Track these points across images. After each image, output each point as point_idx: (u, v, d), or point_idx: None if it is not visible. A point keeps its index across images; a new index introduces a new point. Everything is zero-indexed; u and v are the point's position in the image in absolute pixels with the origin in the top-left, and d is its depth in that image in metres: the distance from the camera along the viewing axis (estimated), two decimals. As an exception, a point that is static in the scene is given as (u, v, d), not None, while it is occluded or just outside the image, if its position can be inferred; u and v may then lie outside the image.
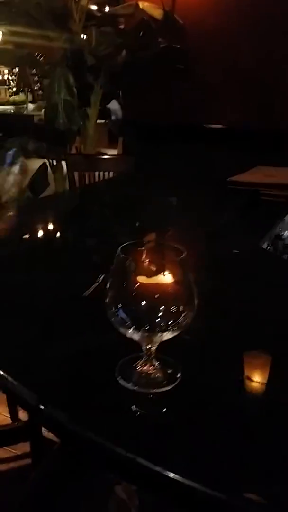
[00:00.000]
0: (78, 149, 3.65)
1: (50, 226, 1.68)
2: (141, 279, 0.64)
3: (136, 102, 3.66)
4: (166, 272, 0.66)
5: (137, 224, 1.61)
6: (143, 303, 0.65)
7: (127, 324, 0.65)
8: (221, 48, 3.27)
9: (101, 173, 2.61)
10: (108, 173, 2.62)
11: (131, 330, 0.65)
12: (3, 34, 7.76)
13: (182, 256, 0.66)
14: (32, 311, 0.93)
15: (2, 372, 0.69)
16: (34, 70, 6.91)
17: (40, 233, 1.56)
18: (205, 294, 1.04)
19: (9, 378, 0.68)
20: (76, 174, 2.60)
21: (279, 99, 3.13)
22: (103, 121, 4.12)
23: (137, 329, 0.65)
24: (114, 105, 6.99)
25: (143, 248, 0.67)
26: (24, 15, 3.40)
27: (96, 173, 2.61)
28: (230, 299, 1.03)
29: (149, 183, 2.29)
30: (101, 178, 2.60)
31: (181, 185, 2.17)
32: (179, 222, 1.60)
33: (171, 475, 0.54)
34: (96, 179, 2.61)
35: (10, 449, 1.95)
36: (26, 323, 0.87)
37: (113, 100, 5.66)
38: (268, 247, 1.59)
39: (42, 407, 0.63)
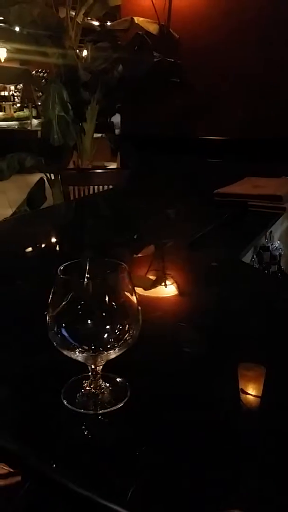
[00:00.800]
0: (76, 163, 3.68)
1: (37, 240, 1.68)
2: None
3: (133, 116, 3.68)
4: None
5: (135, 237, 1.61)
6: (88, 322, 0.64)
7: (71, 345, 0.64)
8: (215, 61, 3.28)
9: (97, 187, 2.62)
10: (103, 187, 2.62)
11: (75, 350, 0.64)
12: (8, 51, 7.91)
13: (125, 272, 0.64)
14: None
15: None
16: (37, 86, 6.99)
17: (27, 247, 1.56)
18: (173, 309, 1.04)
19: None
20: (71, 188, 2.61)
21: (273, 111, 3.12)
22: (102, 135, 4.14)
23: (81, 350, 0.64)
24: (117, 119, 7.03)
25: (86, 265, 0.66)
26: (22, 32, 3.45)
27: (93, 187, 2.62)
28: (192, 312, 1.01)
29: (142, 195, 2.29)
30: (96, 192, 2.60)
31: (173, 197, 2.17)
32: (161, 234, 1.59)
33: (114, 506, 0.52)
34: (92, 193, 2.61)
35: (1, 466, 1.92)
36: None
37: (116, 114, 5.70)
38: (253, 259, 1.57)
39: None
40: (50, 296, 0.64)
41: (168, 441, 0.62)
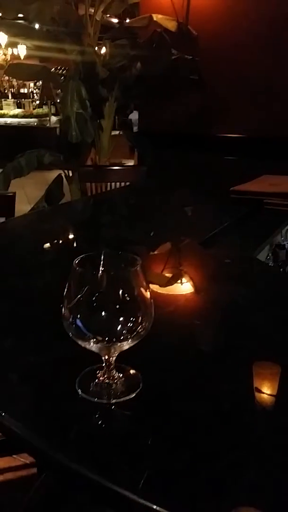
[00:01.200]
0: (93, 160, 3.70)
1: (54, 235, 1.70)
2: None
3: (150, 113, 3.68)
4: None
5: (151, 234, 1.63)
6: (102, 313, 0.66)
7: (85, 335, 0.66)
8: (233, 58, 3.27)
9: (114, 183, 2.64)
10: (120, 184, 2.64)
11: (89, 341, 0.66)
12: (27, 48, 7.97)
13: (138, 266, 0.66)
14: (12, 319, 0.95)
15: None
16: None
17: (45, 241, 1.59)
18: (184, 304, 1.05)
19: None
20: (89, 185, 2.64)
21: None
22: (119, 132, 4.15)
23: (96, 340, 0.66)
24: (135, 116, 7.04)
25: (100, 258, 0.68)
26: (42, 29, 3.48)
27: (110, 184, 2.64)
28: (205, 308, 1.02)
29: (158, 192, 2.30)
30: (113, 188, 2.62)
31: (190, 195, 2.18)
32: (176, 231, 1.60)
33: (124, 492, 0.53)
34: (109, 189, 2.63)
35: (18, 458, 1.96)
36: (1, 331, 0.89)
37: (134, 111, 5.70)
38: (268, 257, 1.57)
39: (-3, 416, 0.64)
40: (66, 288, 0.65)
41: (179, 431, 0.63)
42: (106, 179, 2.62)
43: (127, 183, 2.61)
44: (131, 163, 6.32)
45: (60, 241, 1.63)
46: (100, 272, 0.67)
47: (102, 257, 0.68)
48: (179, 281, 1.17)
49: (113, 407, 0.67)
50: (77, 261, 0.66)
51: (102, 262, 0.68)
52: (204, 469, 0.57)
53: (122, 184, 2.63)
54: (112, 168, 2.80)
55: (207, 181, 2.56)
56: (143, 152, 3.68)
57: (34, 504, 1.52)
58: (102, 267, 0.68)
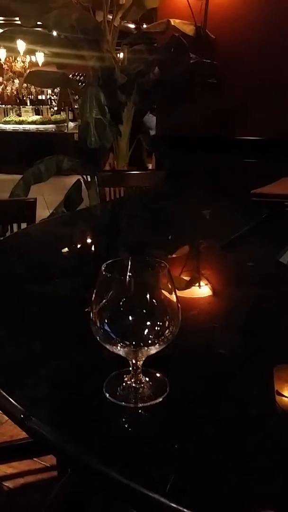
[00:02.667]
0: (112, 165, 3.72)
1: (75, 240, 1.72)
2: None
3: (168, 117, 3.69)
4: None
5: (169, 237, 1.63)
6: (129, 318, 0.66)
7: (113, 340, 0.66)
8: (252, 60, 3.27)
9: (133, 188, 2.65)
10: (139, 188, 2.65)
11: (117, 345, 0.66)
12: (46, 55, 8.05)
13: (166, 271, 0.66)
14: (37, 323, 0.96)
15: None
16: (73, 89, 7.09)
17: (66, 247, 1.60)
18: (208, 308, 1.05)
19: (-2, 390, 0.70)
20: (107, 189, 2.65)
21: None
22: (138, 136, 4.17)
23: (123, 344, 0.66)
24: (152, 119, 7.05)
25: (127, 263, 0.68)
26: (60, 36, 3.52)
27: (128, 188, 2.65)
28: (236, 312, 1.02)
29: (177, 196, 2.30)
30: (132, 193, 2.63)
31: (209, 198, 2.17)
32: (197, 235, 1.60)
33: (152, 494, 0.54)
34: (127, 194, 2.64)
35: (39, 461, 1.97)
36: (28, 335, 0.90)
37: (150, 115, 5.71)
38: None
39: (26, 420, 0.65)
40: (94, 293, 0.66)
41: (206, 435, 0.63)
42: (125, 183, 2.63)
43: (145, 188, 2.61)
44: (148, 167, 6.34)
45: (82, 246, 1.65)
46: (128, 277, 0.67)
47: (129, 262, 0.69)
48: (202, 284, 1.17)
49: (140, 411, 0.67)
50: (104, 266, 0.66)
51: (129, 267, 0.68)
52: (231, 473, 0.57)
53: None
54: (131, 173, 2.81)
55: (226, 184, 2.55)
56: (161, 156, 3.69)
57: (55, 508, 1.52)
58: (129, 272, 0.68)
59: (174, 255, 1.46)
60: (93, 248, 1.65)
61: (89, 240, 1.74)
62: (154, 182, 2.65)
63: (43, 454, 1.95)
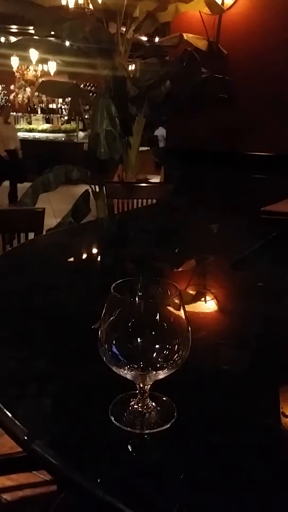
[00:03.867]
0: (120, 176, 3.72)
1: (83, 253, 1.71)
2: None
3: (179, 131, 3.70)
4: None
5: (176, 251, 1.61)
6: (138, 340, 0.64)
7: (120, 362, 0.64)
8: (263, 76, 3.27)
9: (141, 200, 2.64)
10: (147, 201, 2.64)
11: (124, 368, 0.64)
12: (58, 65, 8.13)
13: (177, 293, 0.65)
14: (42, 338, 0.94)
15: (-3, 403, 0.70)
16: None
17: (73, 259, 1.59)
18: (218, 329, 1.03)
19: (0, 408, 0.68)
20: (115, 201, 2.65)
21: None
22: (147, 148, 4.18)
23: (130, 367, 0.64)
24: (161, 131, 7.09)
25: (138, 284, 0.67)
26: (74, 47, 3.55)
27: (136, 200, 2.64)
28: (246, 334, 1.00)
29: (185, 210, 2.29)
30: (140, 205, 2.62)
31: (218, 213, 2.16)
32: (205, 251, 1.58)
33: None
34: (135, 206, 2.64)
35: (38, 474, 1.94)
36: (33, 351, 0.89)
37: (160, 128, 5.72)
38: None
39: (29, 442, 0.63)
40: (103, 312, 0.64)
41: (214, 465, 0.61)
42: (133, 195, 2.63)
43: (154, 200, 2.61)
44: (156, 179, 6.35)
45: (89, 259, 1.64)
46: (137, 298, 0.66)
47: (139, 283, 0.67)
48: (212, 302, 1.15)
49: (146, 437, 0.65)
50: (114, 286, 0.65)
51: (139, 288, 0.67)
52: (240, 506, 0.55)
53: (149, 201, 2.63)
54: (140, 185, 2.81)
55: (234, 200, 2.54)
56: (170, 169, 3.69)
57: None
58: (139, 292, 0.66)
59: (183, 272, 1.44)
60: (100, 262, 1.63)
61: (96, 253, 1.73)
62: (162, 195, 2.64)
63: (42, 468, 1.92)
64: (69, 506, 1.45)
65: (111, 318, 0.64)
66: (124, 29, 3.61)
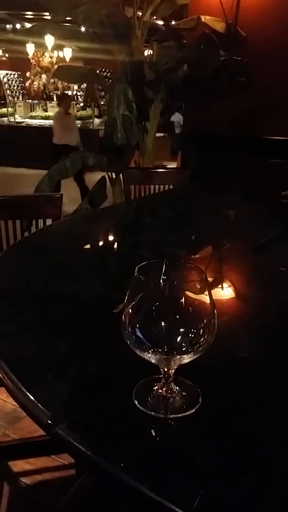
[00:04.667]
0: (137, 162, 3.69)
1: (101, 238, 1.69)
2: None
3: (196, 115, 3.65)
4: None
5: (193, 237, 1.59)
6: (162, 323, 0.63)
7: (144, 346, 0.63)
8: (283, 59, 3.19)
9: (158, 186, 2.62)
10: (164, 187, 2.62)
11: (148, 352, 0.63)
12: (73, 51, 8.05)
13: (202, 276, 0.63)
14: (63, 324, 0.93)
15: (20, 385, 0.69)
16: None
17: (91, 245, 1.58)
18: (243, 313, 1.02)
19: (23, 391, 0.67)
20: (132, 187, 2.63)
21: None
22: (163, 134, 4.14)
23: (154, 351, 0.63)
24: (178, 117, 7.01)
25: (163, 266, 0.65)
26: (89, 32, 3.51)
27: (153, 186, 2.62)
28: (268, 319, 0.98)
29: (203, 196, 2.26)
30: (157, 191, 2.60)
31: (237, 198, 2.13)
32: (228, 236, 1.56)
33: (178, 510, 0.51)
34: (152, 192, 2.61)
35: (57, 458, 1.96)
36: (53, 335, 0.88)
37: (176, 113, 5.65)
38: None
39: (53, 425, 0.62)
40: (126, 295, 0.63)
41: (238, 452, 0.60)
42: (151, 181, 2.60)
43: (171, 186, 2.58)
44: (172, 165, 6.30)
45: (106, 245, 1.62)
46: (162, 280, 0.64)
47: (164, 265, 0.65)
48: (234, 288, 1.13)
49: (170, 422, 0.64)
50: (138, 269, 0.63)
51: (163, 271, 0.65)
52: (265, 494, 0.54)
53: (166, 186, 2.60)
54: (157, 171, 2.78)
55: (254, 185, 2.50)
56: (187, 155, 3.64)
57: (72, 507, 1.51)
58: (164, 275, 0.65)
59: (203, 258, 1.42)
60: (117, 247, 1.62)
61: (113, 239, 1.71)
62: (180, 180, 2.61)
63: (61, 452, 1.94)
64: (88, 490, 1.46)
65: (135, 301, 0.63)
66: (141, 13, 3.55)
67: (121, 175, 3.29)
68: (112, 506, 1.21)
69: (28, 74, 11.26)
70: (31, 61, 10.71)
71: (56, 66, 8.37)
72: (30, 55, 10.23)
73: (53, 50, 9.88)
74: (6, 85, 11.54)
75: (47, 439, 1.88)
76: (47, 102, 10.82)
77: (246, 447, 0.61)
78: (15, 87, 11.95)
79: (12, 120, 10.13)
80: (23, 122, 9.96)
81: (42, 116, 10.05)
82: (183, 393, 0.67)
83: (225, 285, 1.15)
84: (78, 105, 10.74)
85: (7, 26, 10.14)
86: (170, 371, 0.66)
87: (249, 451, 0.60)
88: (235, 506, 0.52)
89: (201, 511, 0.51)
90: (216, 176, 3.18)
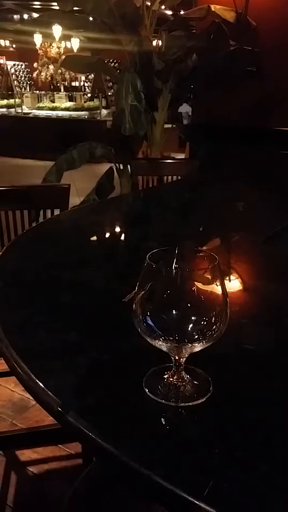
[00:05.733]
0: (145, 153, 3.67)
1: (108, 229, 1.69)
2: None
3: (205, 106, 3.62)
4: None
5: (200, 229, 1.58)
6: (173, 312, 0.62)
7: (155, 334, 0.62)
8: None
9: (166, 177, 2.60)
10: (172, 177, 2.60)
11: (159, 340, 0.63)
12: (81, 41, 8.01)
13: (215, 264, 0.62)
14: (73, 312, 0.93)
15: (30, 373, 0.69)
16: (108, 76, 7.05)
17: (99, 235, 1.57)
18: (253, 304, 1.01)
19: (34, 379, 0.67)
20: (140, 178, 2.61)
21: None
22: (171, 125, 4.11)
23: (165, 339, 0.62)
24: (186, 108, 6.95)
25: (175, 254, 0.64)
26: (98, 21, 3.48)
27: (161, 177, 2.60)
28: (278, 310, 0.97)
29: (213, 187, 2.25)
30: (165, 182, 2.58)
31: (246, 189, 2.11)
32: (238, 227, 1.55)
33: (189, 497, 0.51)
34: (160, 183, 2.60)
35: (64, 448, 1.97)
36: (63, 323, 0.88)
37: (184, 104, 5.60)
38: None
39: (63, 413, 0.62)
40: (138, 283, 0.62)
41: (249, 441, 0.59)
42: (159, 172, 2.59)
43: (179, 177, 2.56)
44: (180, 156, 6.26)
45: (114, 235, 1.62)
46: (174, 268, 0.63)
47: (176, 253, 0.65)
48: (244, 279, 1.12)
49: (181, 410, 0.64)
50: (150, 256, 0.62)
51: (176, 258, 0.64)
52: (276, 484, 0.53)
53: (174, 178, 2.59)
54: (165, 161, 2.76)
55: (263, 176, 2.48)
56: (196, 145, 3.62)
57: (79, 496, 1.51)
58: (176, 263, 0.64)
59: (213, 248, 1.41)
60: (125, 237, 1.61)
61: (121, 229, 1.70)
62: (188, 171, 2.60)
63: (68, 441, 1.95)
64: (95, 479, 1.46)
65: (146, 289, 0.62)
66: (149, 2, 3.51)
67: (128, 166, 3.27)
68: (119, 495, 1.22)
69: (35, 64, 11.22)
70: (39, 51, 10.66)
71: (64, 56, 8.34)
72: (38, 46, 10.17)
73: (60, 40, 9.83)
74: (14, 75, 11.52)
75: (54, 428, 1.90)
76: (55, 93, 10.79)
77: (257, 436, 0.60)
78: (23, 78, 11.93)
79: (20, 111, 10.10)
80: (30, 113, 9.93)
81: (50, 107, 10.02)
82: (194, 382, 0.67)
83: (234, 276, 1.14)
84: (85, 96, 10.70)
85: (15, 16, 10.10)
86: (181, 359, 0.65)
87: (261, 440, 0.60)
88: (246, 495, 0.52)
89: (211, 500, 0.51)
90: (225, 167, 3.16)
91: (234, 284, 1.10)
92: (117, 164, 3.56)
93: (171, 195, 2.23)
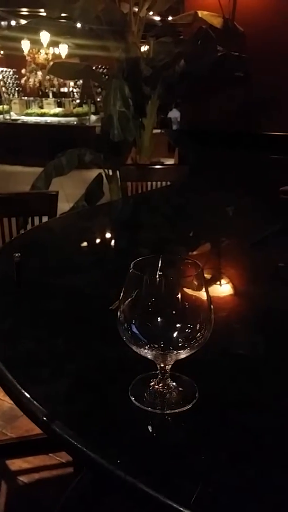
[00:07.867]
0: (134, 159, 3.68)
1: (97, 235, 1.68)
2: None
3: (194, 111, 3.64)
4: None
5: (190, 234, 1.59)
6: (158, 319, 0.62)
7: (140, 342, 0.62)
8: (281, 54, 3.18)
9: (155, 183, 2.60)
10: (161, 183, 2.60)
11: (145, 348, 0.62)
12: (69, 47, 8.02)
13: (199, 271, 0.62)
14: (59, 319, 0.93)
15: (15, 382, 0.68)
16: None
17: (88, 242, 1.57)
18: (241, 309, 1.01)
19: (18, 389, 0.67)
20: (129, 184, 2.61)
21: None
22: (161, 131, 4.12)
23: (151, 347, 0.62)
24: (175, 114, 6.98)
25: (158, 262, 0.64)
26: (85, 28, 3.49)
27: (150, 183, 2.60)
28: (266, 315, 0.97)
29: (201, 192, 2.26)
30: (154, 187, 2.59)
31: (235, 194, 2.12)
32: (224, 232, 1.55)
33: (176, 505, 0.51)
34: (150, 189, 2.60)
35: (55, 456, 1.96)
36: (50, 333, 0.87)
37: (174, 109, 5.63)
38: None
39: (48, 422, 0.61)
40: (122, 291, 0.62)
41: (235, 446, 0.60)
42: (148, 178, 2.59)
43: (168, 183, 2.57)
44: (169, 162, 6.29)
45: (103, 241, 1.62)
46: (158, 276, 0.63)
47: (160, 261, 0.65)
48: (232, 284, 1.13)
49: (167, 417, 0.64)
50: (134, 264, 0.62)
51: (159, 266, 0.64)
52: (263, 489, 0.53)
53: (163, 183, 2.59)
54: (154, 167, 2.77)
55: (252, 180, 2.49)
56: (185, 151, 3.63)
57: (70, 505, 1.50)
58: (160, 271, 0.64)
59: (201, 254, 1.41)
60: (114, 244, 1.61)
61: (110, 235, 1.70)
62: (177, 177, 2.60)
63: (58, 450, 1.93)
64: (86, 488, 1.45)
65: (131, 297, 0.62)
66: (137, 9, 3.53)
67: (118, 172, 3.27)
68: (110, 503, 1.21)
69: (23, 71, 11.22)
70: (27, 58, 10.66)
71: (51, 63, 8.35)
72: (26, 52, 10.17)
73: (48, 46, 9.84)
74: (2, 82, 11.50)
75: (44, 437, 1.88)
76: (43, 99, 10.78)
77: (243, 442, 0.60)
78: (11, 84, 11.91)
79: (8, 117, 10.08)
80: (18, 119, 9.92)
81: (38, 113, 10.02)
82: (180, 389, 0.67)
83: (223, 281, 1.15)
84: (74, 102, 10.70)
85: (2, 23, 10.10)
86: (167, 366, 0.65)
87: (247, 446, 0.60)
88: (233, 501, 0.52)
89: (198, 507, 0.51)
90: (213, 172, 3.17)
91: (222, 289, 1.10)
92: (106, 170, 3.56)
93: (160, 201, 2.23)
